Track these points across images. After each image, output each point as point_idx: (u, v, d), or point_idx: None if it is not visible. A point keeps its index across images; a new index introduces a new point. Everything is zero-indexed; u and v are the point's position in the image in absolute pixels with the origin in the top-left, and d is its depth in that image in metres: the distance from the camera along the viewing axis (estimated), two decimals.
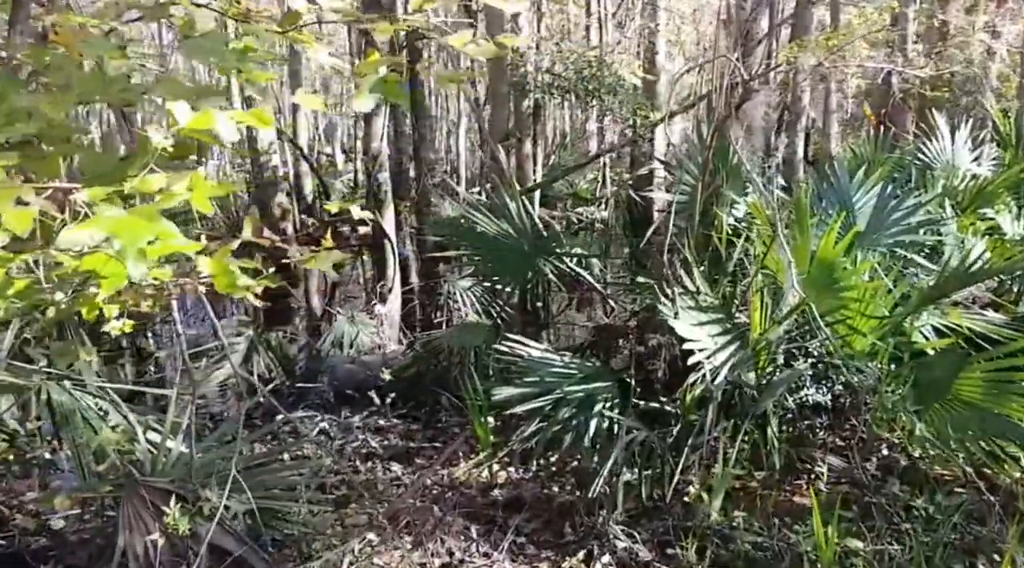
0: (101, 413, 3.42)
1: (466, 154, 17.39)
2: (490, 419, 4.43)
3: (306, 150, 17.23)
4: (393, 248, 6.74)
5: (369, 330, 6.38)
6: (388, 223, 6.72)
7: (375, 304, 6.75)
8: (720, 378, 4.16)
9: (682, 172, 4.50)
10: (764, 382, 4.37)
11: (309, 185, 16.82)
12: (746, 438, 4.29)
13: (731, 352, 4.30)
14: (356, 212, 2.39)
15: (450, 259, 6.67)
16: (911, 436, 4.16)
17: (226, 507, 2.90)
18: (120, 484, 2.87)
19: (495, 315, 6.15)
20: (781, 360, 4.47)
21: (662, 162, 6.93)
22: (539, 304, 7.97)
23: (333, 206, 2.53)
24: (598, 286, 6.48)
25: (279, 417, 5.15)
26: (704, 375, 4.17)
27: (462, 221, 6.03)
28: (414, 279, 10.48)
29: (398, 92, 1.61)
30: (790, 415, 4.48)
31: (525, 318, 7.45)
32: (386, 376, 5.23)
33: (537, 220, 10.54)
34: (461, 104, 19.32)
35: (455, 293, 6.87)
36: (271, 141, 10.41)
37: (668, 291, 4.44)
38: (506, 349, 4.54)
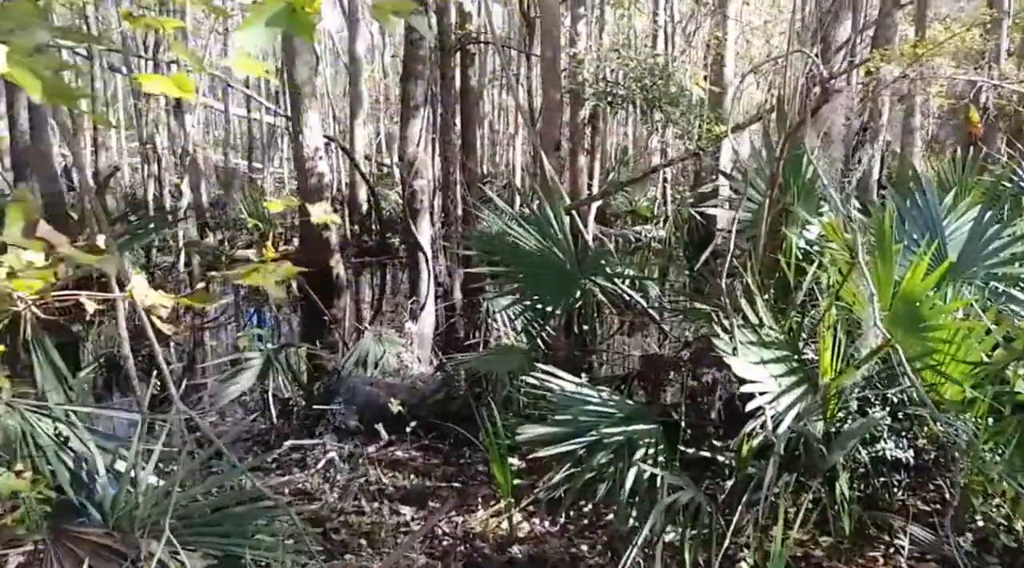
0: (60, 439, 3.00)
1: (522, 168, 16.96)
2: (515, 461, 3.90)
3: (362, 160, 17.01)
4: (428, 262, 6.27)
5: (396, 349, 5.90)
6: (423, 235, 6.26)
7: (406, 321, 6.27)
8: (784, 426, 3.57)
9: (747, 186, 3.91)
10: (834, 431, 3.75)
11: (364, 195, 16.56)
12: (812, 497, 3.68)
13: (797, 396, 3.71)
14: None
15: (493, 276, 6.17)
16: (1015, 506, 3.48)
17: (181, 563, 2.42)
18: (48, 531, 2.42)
19: (533, 337, 5.62)
20: (855, 406, 3.84)
21: (726, 176, 6.30)
22: (585, 327, 7.42)
23: (275, 205, 2.05)
24: (651, 311, 5.94)
25: (287, 444, 4.71)
26: (765, 421, 3.58)
27: (504, 235, 5.51)
28: (458, 295, 10.04)
29: (308, 28, 1.12)
30: (863, 470, 3.83)
31: (570, 342, 6.90)
32: (395, 407, 4.72)
33: (588, 237, 10.02)
34: (519, 117, 18.90)
35: (494, 312, 6.36)
36: (316, 147, 10.07)
37: (726, 321, 3.85)
38: (535, 381, 4.00)
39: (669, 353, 5.52)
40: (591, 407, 3.96)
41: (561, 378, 4.05)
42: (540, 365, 4.12)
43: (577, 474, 3.73)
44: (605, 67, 8.60)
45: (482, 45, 11.69)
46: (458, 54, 10.31)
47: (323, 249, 10.75)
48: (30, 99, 13.14)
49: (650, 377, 5.59)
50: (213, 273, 1.80)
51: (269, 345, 5.93)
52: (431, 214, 16.04)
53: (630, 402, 4.07)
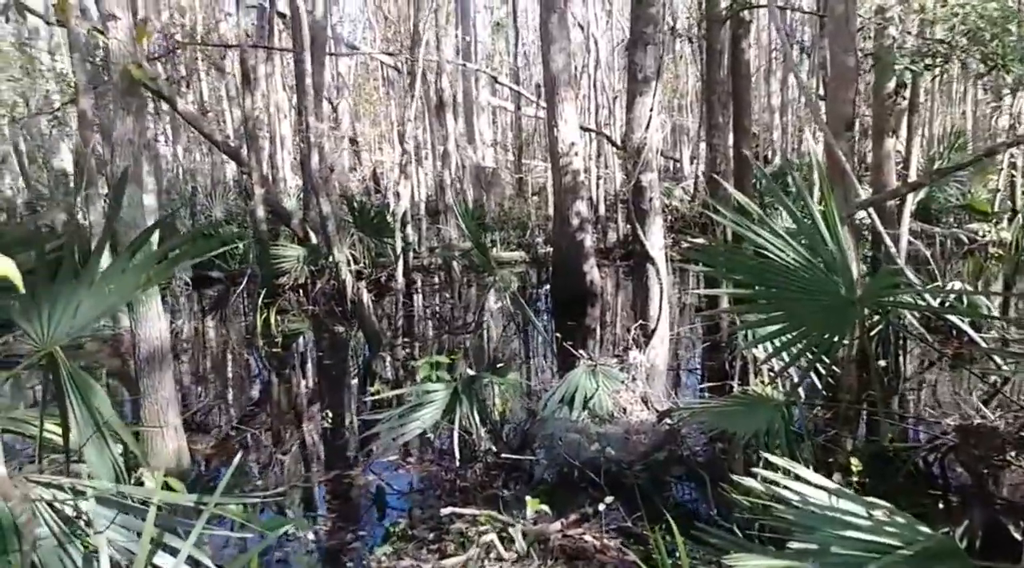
0: (75, 526, 2.25)
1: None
2: None
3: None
4: (659, 276, 4.94)
5: (614, 386, 4.66)
6: (653, 242, 4.94)
7: (629, 350, 4.97)
8: None
9: None
10: None
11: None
12: None
13: None
14: None
15: (737, 300, 4.71)
16: None
17: None
18: None
19: (792, 376, 4.10)
20: None
21: None
22: (883, 363, 5.65)
23: None
24: (985, 346, 4.16)
25: (444, 511, 3.70)
26: None
27: (747, 246, 4.00)
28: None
29: None
30: None
31: (862, 382, 5.20)
32: (532, 508, 3.44)
33: (901, 239, 7.95)
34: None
35: (749, 344, 4.89)
36: (572, 142, 9.08)
37: None
38: (759, 483, 2.56)
39: (1000, 423, 3.68)
40: (853, 533, 2.45)
41: (802, 478, 2.58)
42: (770, 456, 2.67)
43: None
44: (920, 19, 6.58)
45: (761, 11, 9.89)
46: (728, 22, 8.74)
47: (576, 253, 9.77)
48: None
49: (970, 454, 3.81)
50: None
51: (470, 371, 5.01)
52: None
53: (925, 529, 2.47)
